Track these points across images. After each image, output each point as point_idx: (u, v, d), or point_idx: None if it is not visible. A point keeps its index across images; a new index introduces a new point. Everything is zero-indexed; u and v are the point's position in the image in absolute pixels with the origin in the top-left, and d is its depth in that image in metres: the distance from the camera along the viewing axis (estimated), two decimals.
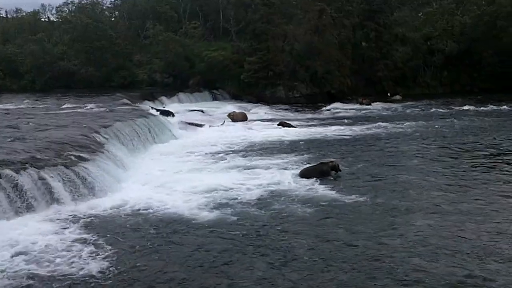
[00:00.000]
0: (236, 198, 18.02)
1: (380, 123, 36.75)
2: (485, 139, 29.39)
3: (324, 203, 17.24)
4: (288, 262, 12.59)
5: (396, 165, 23.23)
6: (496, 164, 22.98)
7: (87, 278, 11.86)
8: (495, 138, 29.62)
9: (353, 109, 48.47)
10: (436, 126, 35.13)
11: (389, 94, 57.74)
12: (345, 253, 13.08)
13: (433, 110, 45.30)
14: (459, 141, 29.04)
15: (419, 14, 69.75)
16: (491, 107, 44.93)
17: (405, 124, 36.14)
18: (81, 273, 12.09)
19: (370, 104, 50.44)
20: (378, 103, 51.41)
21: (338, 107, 49.40)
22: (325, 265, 12.36)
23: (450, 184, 19.42)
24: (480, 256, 12.67)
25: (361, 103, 50.80)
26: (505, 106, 44.84)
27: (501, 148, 26.73)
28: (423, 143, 28.84)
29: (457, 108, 45.67)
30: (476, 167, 22.34)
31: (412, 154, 25.72)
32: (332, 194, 18.32)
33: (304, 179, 20.33)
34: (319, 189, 19.02)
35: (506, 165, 22.49)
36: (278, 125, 36.90)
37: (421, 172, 21.61)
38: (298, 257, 12.84)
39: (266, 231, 14.85)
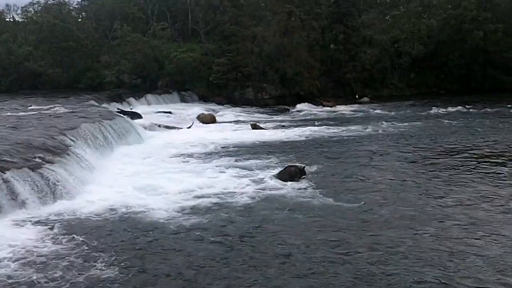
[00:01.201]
0: (210, 201, 17.89)
1: (348, 125, 37.14)
2: (456, 140, 29.72)
3: (305, 206, 17.22)
4: (281, 267, 12.39)
5: (366, 166, 23.46)
6: (473, 165, 23.06)
7: (55, 284, 11.65)
8: (467, 139, 29.98)
9: (321, 111, 48.87)
10: (403, 128, 35.54)
11: (357, 96, 58.37)
12: (339, 258, 12.86)
13: (400, 111, 45.78)
14: (428, 143, 29.37)
15: (387, 17, 70.62)
16: (457, 108, 45.65)
17: (372, 126, 36.35)
18: (50, 277, 11.90)
19: (334, 106, 50.68)
20: (343, 105, 51.70)
21: (306, 109, 49.80)
22: (320, 272, 12.15)
23: (431, 187, 19.43)
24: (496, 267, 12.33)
25: (323, 105, 51.13)
26: (472, 109, 45.32)
27: (473, 149, 27.02)
28: (389, 145, 29.14)
29: (424, 109, 46.29)
30: (450, 168, 22.63)
31: (379, 155, 25.98)
32: (315, 197, 18.32)
33: (279, 181, 20.38)
34: (296, 192, 19.00)
35: (481, 166, 22.78)
36: (252, 127, 36.83)
37: (385, 171, 21.98)
38: (291, 262, 12.69)
39: (248, 234, 14.67)
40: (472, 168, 22.42)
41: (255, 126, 36.88)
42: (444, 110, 45.09)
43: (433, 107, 46.46)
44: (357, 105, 52.13)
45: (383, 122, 38.33)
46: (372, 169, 22.90)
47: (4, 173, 16.73)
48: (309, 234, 14.58)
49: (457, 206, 17.01)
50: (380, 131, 34.40)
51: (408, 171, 22.31)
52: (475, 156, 25.14)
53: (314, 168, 22.67)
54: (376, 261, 12.60)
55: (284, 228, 15.14)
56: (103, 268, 12.43)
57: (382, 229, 14.91)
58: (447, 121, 38.29)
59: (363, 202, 17.47)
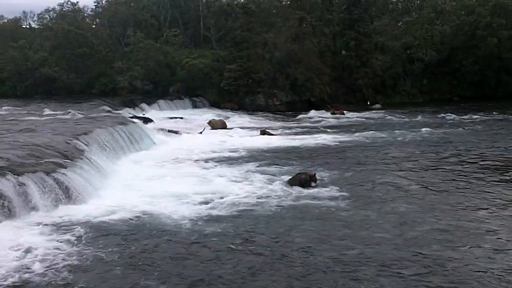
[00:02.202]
0: (223, 207, 17.89)
1: (360, 132, 37.03)
2: (477, 147, 29.49)
3: (321, 214, 17.00)
4: (301, 275, 12.14)
5: (381, 174, 23.15)
6: (505, 173, 22.62)
7: None
8: (490, 146, 29.72)
9: (331, 117, 48.88)
10: (419, 135, 35.40)
11: (369, 103, 58.44)
12: (381, 275, 12.25)
13: (413, 118, 45.65)
14: (448, 150, 29.07)
15: (399, 24, 70.65)
16: (472, 115, 45.51)
17: (385, 133, 36.39)
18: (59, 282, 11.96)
19: (342, 114, 50.21)
20: (354, 112, 51.70)
21: (316, 115, 49.84)
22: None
23: (466, 197, 18.80)
24: None
25: (334, 113, 50.71)
26: (488, 116, 45.16)
27: (502, 156, 26.71)
28: (404, 152, 28.81)
29: (438, 115, 46.15)
30: (478, 176, 22.17)
31: (394, 163, 25.72)
32: (327, 203, 18.14)
33: (291, 187, 20.34)
34: (307, 199, 18.78)
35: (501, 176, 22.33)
36: (261, 133, 37.05)
37: (402, 181, 21.57)
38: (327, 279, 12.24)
39: (274, 243, 14.32)
40: (505, 176, 21.99)
41: (264, 132, 37.04)
42: (458, 116, 45.03)
43: (447, 114, 46.40)
44: (368, 112, 52.11)
45: (395, 129, 38.26)
46: (390, 176, 22.49)
47: (18, 176, 16.99)
48: (340, 247, 13.99)
49: (498, 216, 16.43)
50: (392, 138, 34.26)
51: (434, 179, 21.78)
52: (504, 164, 24.71)
53: (325, 175, 22.58)
54: (426, 279, 11.90)
55: (305, 236, 14.83)
56: (126, 274, 12.37)
57: (422, 244, 14.14)
58: (464, 128, 38.23)
59: (380, 210, 17.32)
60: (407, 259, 12.97)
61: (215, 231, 15.28)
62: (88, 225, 15.90)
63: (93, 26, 77.78)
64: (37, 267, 12.66)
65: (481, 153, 27.94)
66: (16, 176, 16.92)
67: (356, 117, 48.43)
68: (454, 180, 21.71)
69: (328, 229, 15.43)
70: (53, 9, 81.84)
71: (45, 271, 12.44)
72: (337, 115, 49.64)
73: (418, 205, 17.92)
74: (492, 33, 58.32)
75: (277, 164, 25.36)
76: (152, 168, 24.79)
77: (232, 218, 16.65)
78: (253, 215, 17.03)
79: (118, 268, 12.71)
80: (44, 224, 15.66)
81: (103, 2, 79.30)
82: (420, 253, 13.32)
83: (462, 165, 24.86)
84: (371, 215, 16.78)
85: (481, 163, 25.27)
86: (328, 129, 40.09)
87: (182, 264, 12.97)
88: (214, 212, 17.25)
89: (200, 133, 37.64)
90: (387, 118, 46.80)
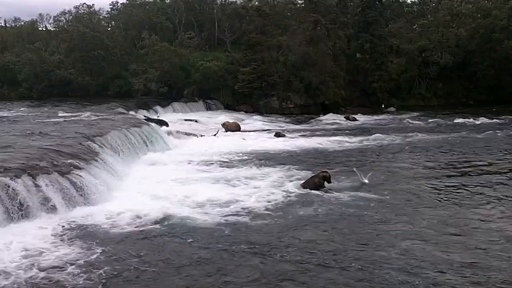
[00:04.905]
0: (235, 209, 17.87)
1: (373, 135, 36.66)
2: (495, 154, 28.86)
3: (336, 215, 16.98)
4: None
5: (397, 178, 22.99)
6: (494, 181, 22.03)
7: None
8: (490, 154, 29.06)
9: (345, 120, 48.72)
10: (429, 139, 34.95)
11: (383, 106, 58.17)
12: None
13: (427, 122, 45.19)
14: (472, 155, 28.60)
15: (414, 26, 70.26)
16: (485, 119, 44.90)
17: (399, 136, 36.02)
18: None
19: (354, 120, 49.09)
20: (369, 115, 51.46)
21: (331, 118, 49.66)
22: None
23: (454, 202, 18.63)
24: None
25: (347, 116, 50.03)
26: (497, 120, 44.68)
27: (497, 164, 26.07)
28: (416, 156, 28.61)
29: (452, 120, 45.62)
30: (469, 184, 21.72)
31: (408, 166, 25.51)
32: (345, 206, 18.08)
33: (305, 190, 20.28)
34: (322, 202, 18.70)
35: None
36: (275, 136, 37.05)
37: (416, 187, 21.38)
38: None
39: (284, 247, 14.21)
40: None
41: (278, 135, 37.06)
42: (474, 120, 44.50)
43: (463, 118, 45.85)
44: (383, 115, 51.84)
45: (411, 132, 37.97)
46: (406, 179, 22.45)
47: (34, 178, 17.09)
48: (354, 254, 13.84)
49: None
50: (407, 142, 33.91)
51: (453, 184, 21.46)
52: None
53: (339, 177, 22.43)
54: None
55: (317, 243, 14.63)
56: (134, 276, 12.39)
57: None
58: (480, 132, 37.56)
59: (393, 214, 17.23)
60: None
61: (227, 236, 15.20)
62: (102, 227, 15.95)
63: (108, 29, 78.48)
64: (52, 270, 12.69)
65: (497, 158, 27.49)
66: (31, 177, 17.04)
67: (371, 120, 48.29)
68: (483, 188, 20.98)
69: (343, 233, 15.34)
70: (69, 11, 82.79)
71: (60, 274, 12.45)
72: (351, 118, 49.37)
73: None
74: (509, 36, 57.68)
75: (291, 167, 25.20)
76: (166, 171, 24.83)
77: (243, 224, 16.47)
78: (267, 221, 16.82)
79: (136, 272, 12.68)
80: (60, 225, 15.74)
81: (118, 4, 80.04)
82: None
83: (482, 170, 24.43)
84: (392, 219, 16.64)
85: (499, 167, 24.97)
86: (342, 131, 39.95)
87: (194, 266, 12.97)
88: (227, 218, 17.04)
89: (215, 135, 37.69)
90: (402, 121, 46.45)
